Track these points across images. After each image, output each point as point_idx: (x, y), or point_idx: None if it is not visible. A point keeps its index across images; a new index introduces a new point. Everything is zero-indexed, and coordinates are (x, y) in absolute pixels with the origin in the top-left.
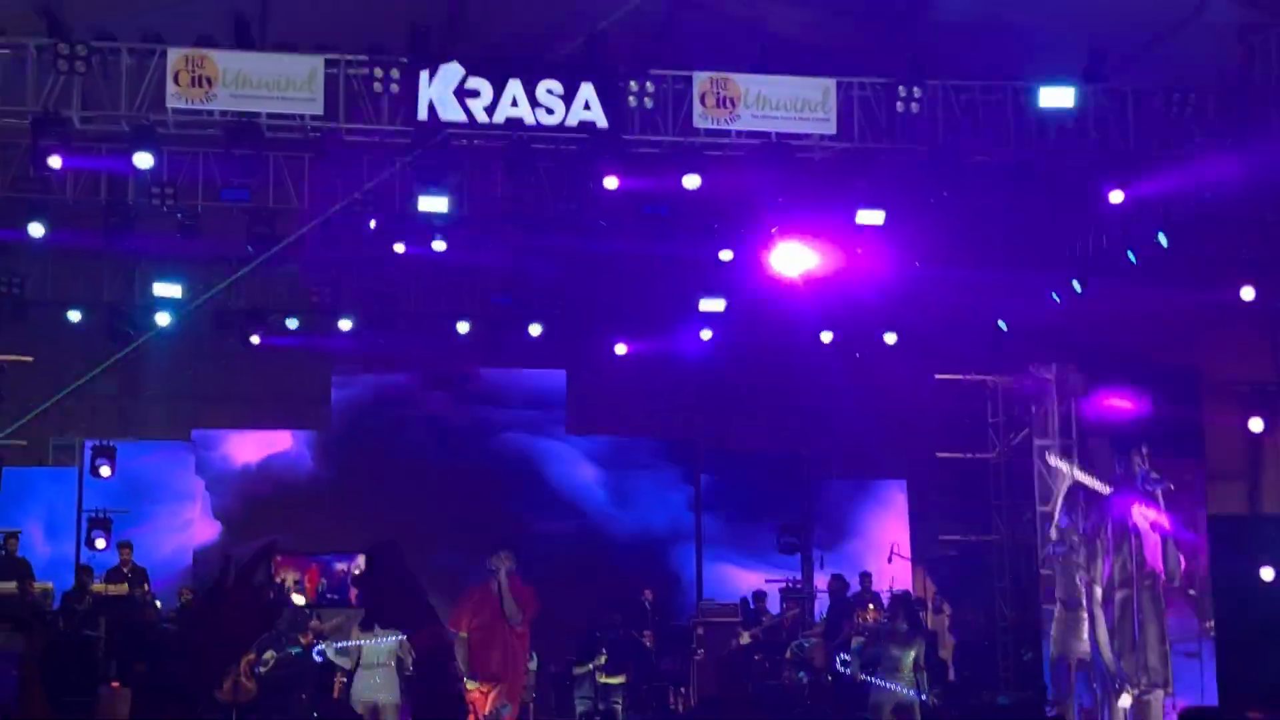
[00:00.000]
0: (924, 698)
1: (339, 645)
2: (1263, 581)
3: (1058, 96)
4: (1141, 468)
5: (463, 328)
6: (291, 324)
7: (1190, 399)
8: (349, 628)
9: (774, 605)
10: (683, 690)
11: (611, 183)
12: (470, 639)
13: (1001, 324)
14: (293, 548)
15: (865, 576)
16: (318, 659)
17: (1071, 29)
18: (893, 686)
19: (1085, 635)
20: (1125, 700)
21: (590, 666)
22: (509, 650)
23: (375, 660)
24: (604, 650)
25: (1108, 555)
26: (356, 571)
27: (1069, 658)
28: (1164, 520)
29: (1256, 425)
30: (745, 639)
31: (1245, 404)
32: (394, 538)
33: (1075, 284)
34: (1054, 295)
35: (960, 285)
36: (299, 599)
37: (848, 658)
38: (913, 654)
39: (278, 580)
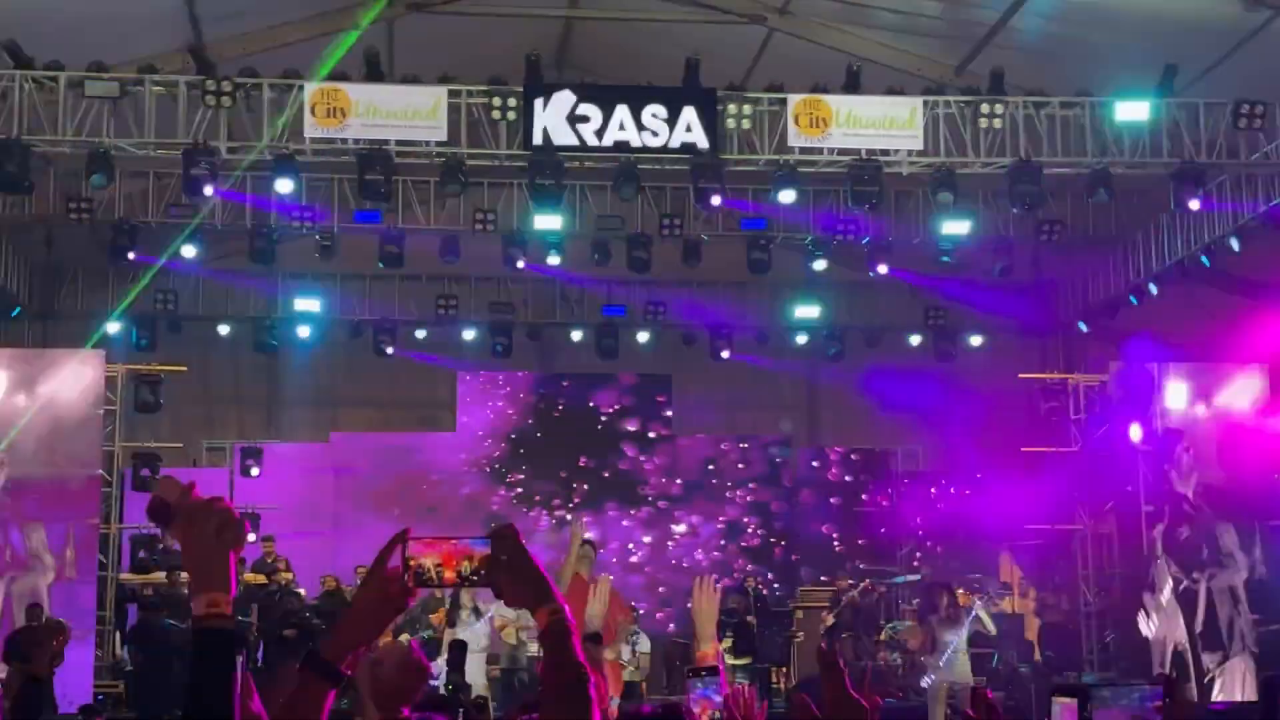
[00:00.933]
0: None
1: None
2: None
3: (1133, 110)
4: None
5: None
6: (419, 334)
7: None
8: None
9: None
10: (784, 670)
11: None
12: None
13: (1082, 325)
14: (430, 534)
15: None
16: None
17: (1145, 45)
18: (950, 667)
19: None
20: None
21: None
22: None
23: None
24: (730, 633)
25: None
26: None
27: None
28: None
29: None
30: (830, 620)
31: None
32: (511, 522)
33: (1151, 286)
34: (1131, 298)
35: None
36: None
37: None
38: (963, 637)
39: (413, 566)
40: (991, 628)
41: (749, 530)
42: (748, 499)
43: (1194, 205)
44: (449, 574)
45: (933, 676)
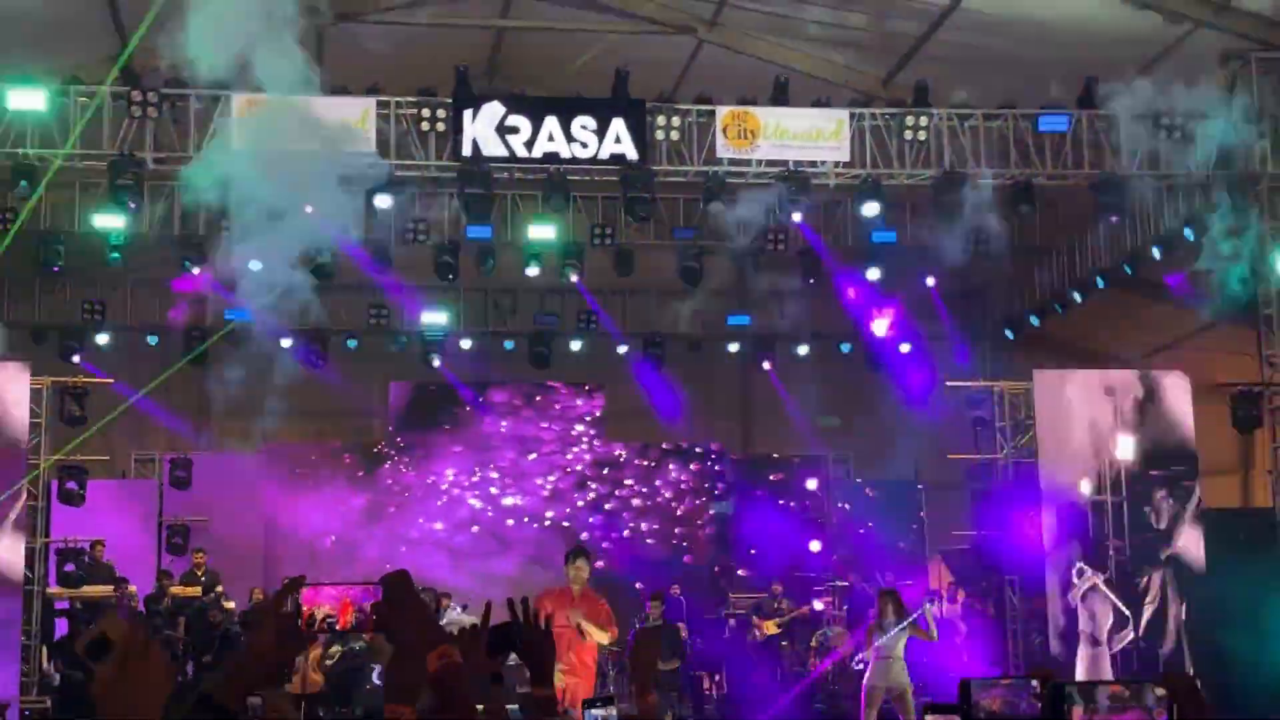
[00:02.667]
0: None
1: None
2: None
3: (1055, 122)
4: None
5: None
6: (351, 343)
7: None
8: None
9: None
10: (716, 677)
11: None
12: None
13: (1009, 333)
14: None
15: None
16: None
17: (1068, 58)
18: (885, 671)
19: None
20: None
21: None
22: (577, 649)
23: None
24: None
25: None
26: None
27: None
28: None
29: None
30: (771, 629)
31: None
32: (404, 569)
33: (1076, 294)
34: (1056, 306)
35: (966, 296)
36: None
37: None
38: (902, 642)
39: (306, 612)
40: (934, 633)
41: (682, 536)
42: (679, 505)
43: (1108, 219)
44: (342, 620)
45: (871, 681)
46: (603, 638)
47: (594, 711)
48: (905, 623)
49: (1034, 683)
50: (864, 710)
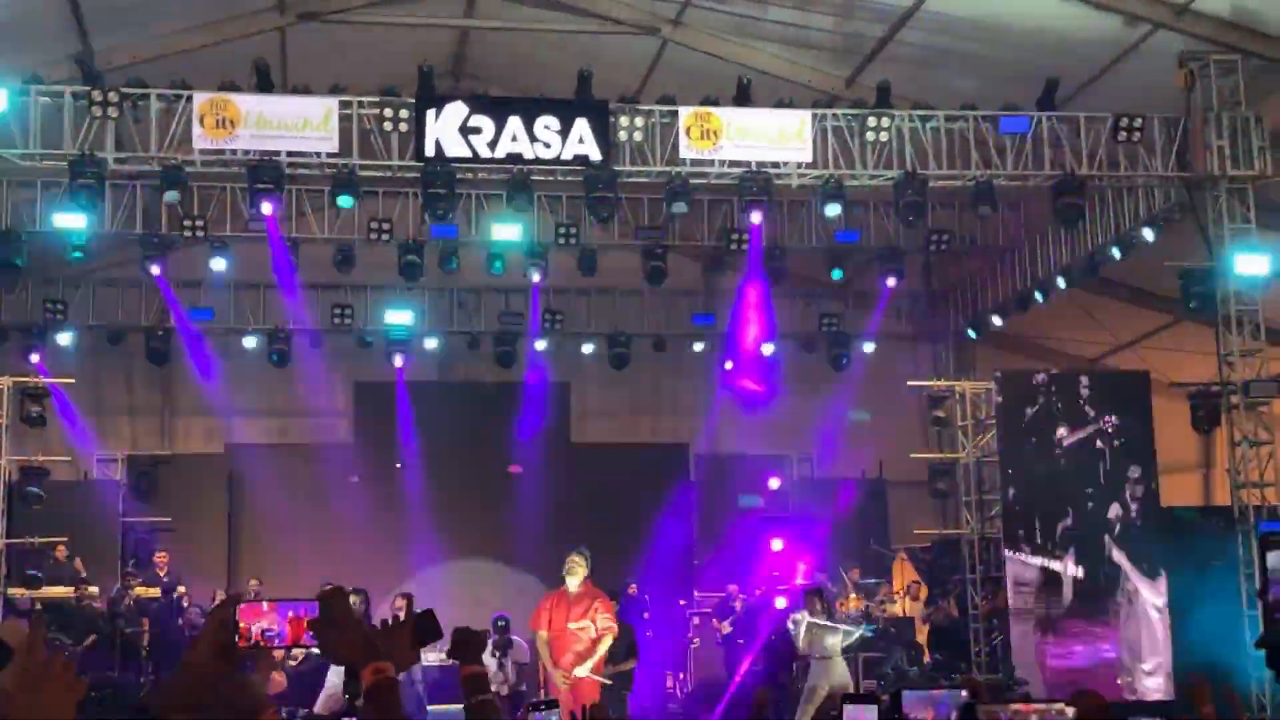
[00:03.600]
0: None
1: None
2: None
3: (1015, 124)
4: None
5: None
6: (315, 342)
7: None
8: None
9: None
10: (680, 675)
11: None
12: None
13: (971, 332)
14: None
15: (847, 569)
16: None
17: (1028, 60)
18: (827, 670)
19: None
20: None
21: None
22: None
23: None
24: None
25: None
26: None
27: None
28: None
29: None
30: (725, 628)
31: (1192, 404)
32: (338, 585)
33: (1037, 294)
34: (1018, 306)
35: (930, 298)
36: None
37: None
38: (839, 639)
39: (244, 629)
40: (852, 638)
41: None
42: (645, 505)
43: (1071, 218)
44: (291, 636)
45: (813, 681)
46: (602, 648)
47: (536, 714)
48: (839, 626)
49: (963, 693)
50: (801, 706)
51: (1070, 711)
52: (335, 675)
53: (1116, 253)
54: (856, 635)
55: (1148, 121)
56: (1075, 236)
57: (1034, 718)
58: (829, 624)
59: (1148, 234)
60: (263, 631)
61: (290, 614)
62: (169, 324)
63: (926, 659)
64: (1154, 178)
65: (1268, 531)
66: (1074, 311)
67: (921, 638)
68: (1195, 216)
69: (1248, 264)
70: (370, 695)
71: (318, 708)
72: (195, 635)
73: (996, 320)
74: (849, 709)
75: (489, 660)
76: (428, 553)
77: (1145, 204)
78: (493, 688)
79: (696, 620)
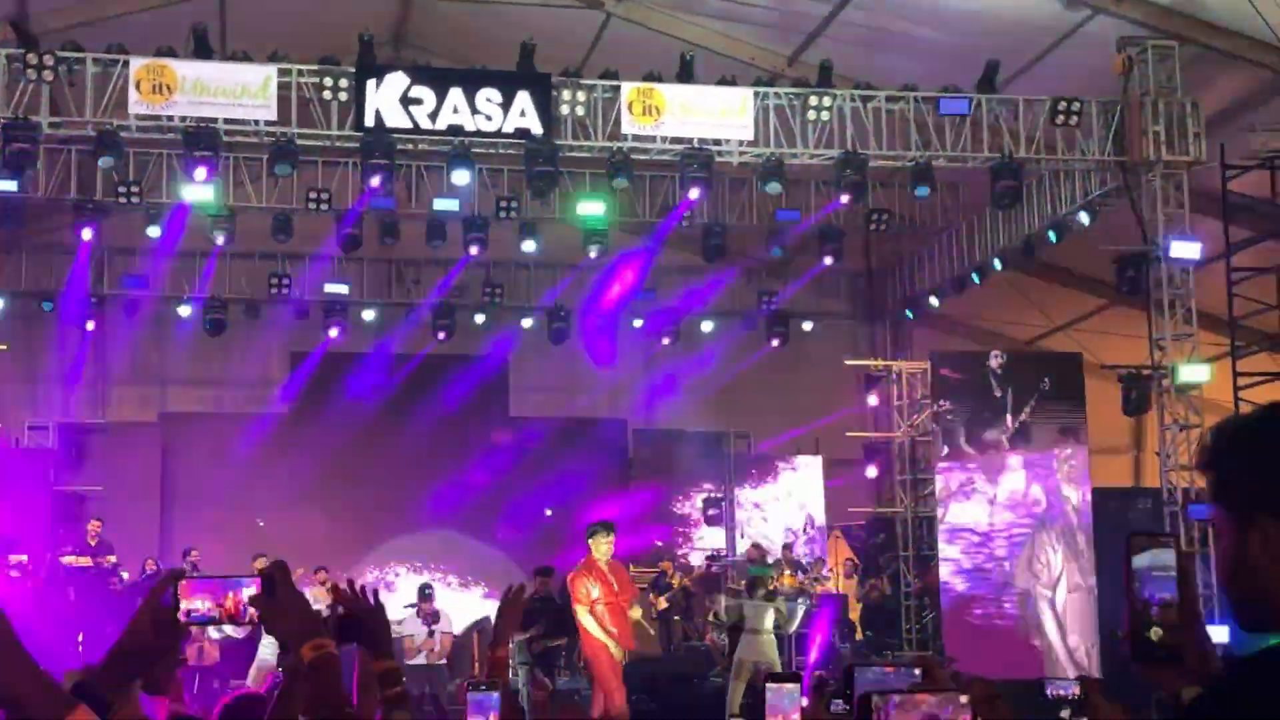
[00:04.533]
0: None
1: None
2: None
3: (955, 105)
4: None
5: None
6: (251, 312)
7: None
8: None
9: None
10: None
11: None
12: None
13: (909, 313)
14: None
15: (785, 546)
16: None
17: (969, 41)
18: (753, 644)
19: None
20: None
21: (530, 633)
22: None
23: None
24: (541, 619)
25: None
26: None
27: None
28: None
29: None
30: (662, 603)
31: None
32: (283, 559)
33: (974, 276)
34: (954, 287)
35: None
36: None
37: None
38: (769, 617)
39: (184, 606)
40: (793, 625)
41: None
42: (585, 481)
43: (1009, 201)
44: (221, 612)
45: (739, 655)
46: (637, 614)
47: (474, 694)
48: (770, 603)
49: (916, 671)
50: (731, 681)
51: (963, 698)
52: (266, 649)
53: (1053, 236)
54: (800, 614)
55: (1085, 105)
56: (1012, 219)
57: (925, 707)
58: (765, 601)
59: (1083, 218)
60: (206, 604)
61: (219, 585)
62: (103, 291)
63: (859, 636)
64: (1090, 162)
65: (1136, 533)
66: (1010, 293)
67: (854, 615)
68: (1130, 201)
69: (1181, 249)
70: (311, 671)
71: (249, 680)
72: (134, 611)
73: (934, 301)
74: (771, 688)
75: (419, 628)
76: (362, 525)
77: (1081, 188)
78: (421, 656)
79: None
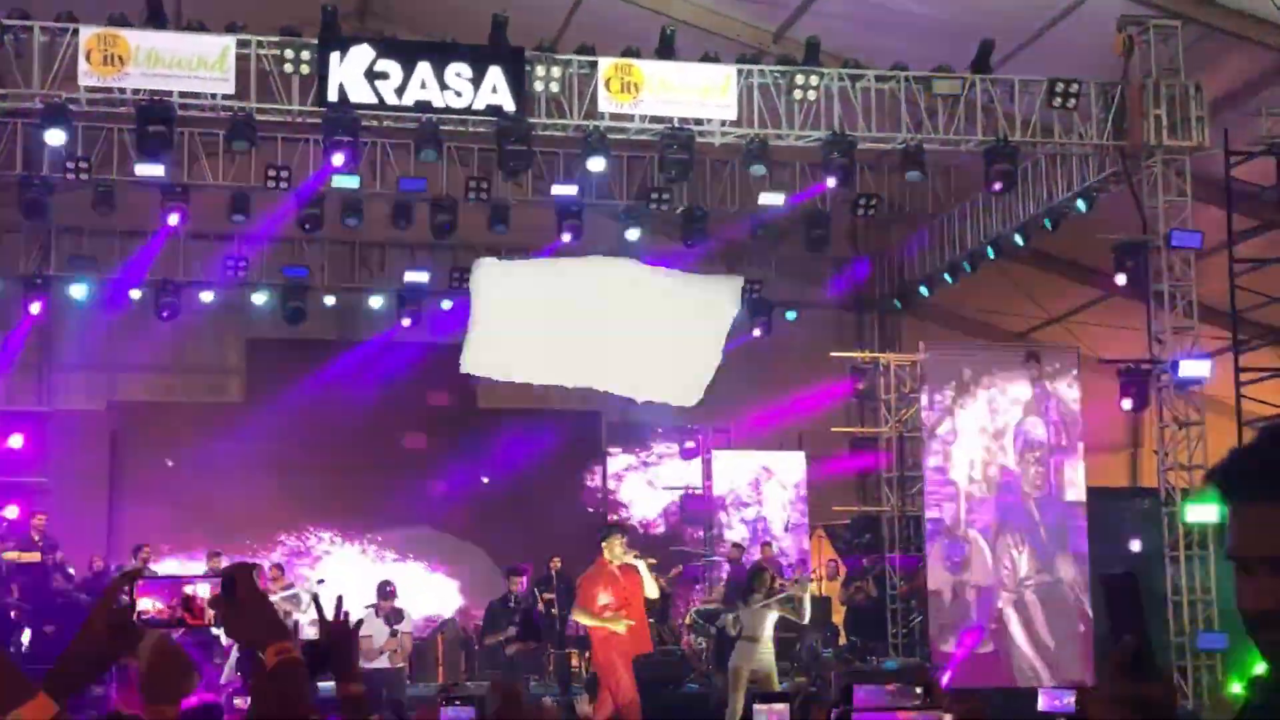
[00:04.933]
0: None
1: None
2: (1132, 552)
3: (948, 85)
4: None
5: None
6: (206, 297)
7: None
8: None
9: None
10: (586, 655)
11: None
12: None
13: (897, 303)
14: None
15: (765, 545)
16: None
17: (963, 20)
18: (750, 652)
19: None
20: None
21: (501, 637)
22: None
23: None
24: (518, 618)
25: None
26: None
27: None
28: None
29: (1126, 404)
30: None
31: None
32: (247, 561)
33: (966, 265)
34: (945, 276)
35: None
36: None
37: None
38: (769, 621)
39: (139, 608)
40: (806, 615)
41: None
42: (555, 474)
43: (996, 187)
44: (179, 614)
45: (735, 662)
46: (653, 589)
47: (449, 710)
48: (772, 600)
49: (918, 689)
50: (730, 694)
51: (948, 718)
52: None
53: (1048, 223)
54: (807, 604)
55: (1084, 87)
56: (1006, 206)
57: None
58: (768, 602)
59: (1081, 205)
60: (164, 605)
61: (177, 586)
62: (48, 272)
63: (843, 641)
64: (1089, 146)
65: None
66: (1003, 283)
67: (838, 619)
68: (1130, 188)
69: (1183, 238)
70: (274, 675)
71: (223, 679)
72: (83, 611)
73: (924, 291)
74: (759, 709)
75: (380, 628)
76: (322, 517)
77: (1079, 173)
78: (384, 658)
79: None
